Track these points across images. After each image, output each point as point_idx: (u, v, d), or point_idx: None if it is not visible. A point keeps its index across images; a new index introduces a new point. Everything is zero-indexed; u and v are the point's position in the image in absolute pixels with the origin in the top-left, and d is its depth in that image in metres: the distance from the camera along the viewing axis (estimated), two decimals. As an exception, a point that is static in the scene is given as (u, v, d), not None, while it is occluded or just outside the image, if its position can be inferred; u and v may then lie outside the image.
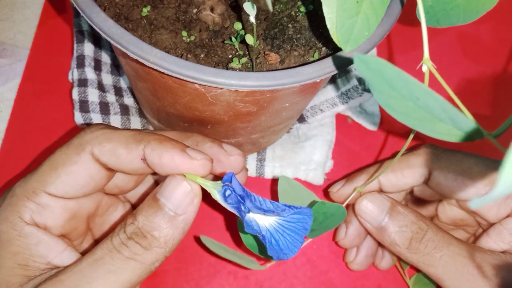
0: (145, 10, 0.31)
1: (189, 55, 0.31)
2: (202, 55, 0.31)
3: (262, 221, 0.27)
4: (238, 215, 0.27)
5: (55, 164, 0.28)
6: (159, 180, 0.36)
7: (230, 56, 0.31)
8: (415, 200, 0.40)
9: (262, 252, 0.34)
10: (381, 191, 0.37)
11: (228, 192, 0.26)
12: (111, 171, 0.29)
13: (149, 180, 0.36)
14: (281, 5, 0.33)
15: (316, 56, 0.31)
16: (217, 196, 0.27)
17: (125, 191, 0.33)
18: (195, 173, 0.27)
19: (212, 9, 0.32)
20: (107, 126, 0.29)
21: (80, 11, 0.27)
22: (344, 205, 0.34)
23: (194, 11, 0.32)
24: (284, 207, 0.27)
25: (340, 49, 0.27)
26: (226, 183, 0.26)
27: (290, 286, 0.40)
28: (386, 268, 0.40)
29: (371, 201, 0.35)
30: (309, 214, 0.28)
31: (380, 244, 0.39)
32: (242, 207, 0.26)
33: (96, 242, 0.34)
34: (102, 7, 0.31)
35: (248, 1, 0.26)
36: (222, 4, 0.32)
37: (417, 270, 0.40)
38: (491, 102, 0.50)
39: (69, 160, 0.27)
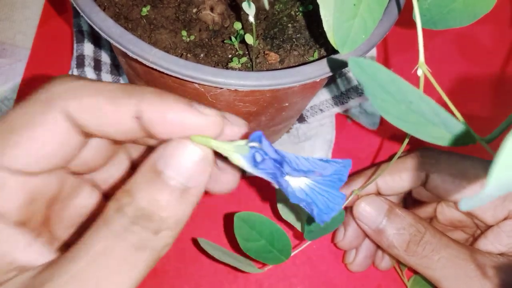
0: (145, 10, 0.31)
1: (188, 55, 0.31)
2: (201, 55, 0.31)
3: (295, 183, 0.23)
4: (273, 181, 0.22)
5: (12, 127, 0.20)
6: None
7: (229, 55, 0.31)
8: (413, 202, 0.40)
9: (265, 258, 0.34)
10: (378, 193, 0.37)
11: (259, 157, 0.21)
12: (87, 136, 0.22)
13: (122, 162, 0.28)
14: (281, 5, 0.33)
15: (316, 55, 0.31)
16: (241, 162, 0.22)
17: (93, 169, 0.26)
18: (206, 133, 0.21)
19: (211, 9, 0.32)
20: (82, 78, 0.22)
21: (80, 11, 0.27)
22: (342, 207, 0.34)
23: (194, 10, 0.32)
24: (325, 164, 0.22)
25: (339, 50, 0.27)
26: (253, 144, 0.21)
27: (290, 286, 0.40)
28: (386, 269, 0.40)
29: (369, 203, 0.35)
30: (347, 165, 0.23)
31: (378, 246, 0.39)
32: (279, 174, 0.21)
33: (52, 233, 0.25)
34: (102, 6, 0.31)
35: (247, 0, 0.26)
36: (222, 4, 0.32)
37: (416, 272, 0.40)
38: (488, 104, 0.50)
39: (33, 121, 0.20)
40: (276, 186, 0.23)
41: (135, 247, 0.20)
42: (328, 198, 0.23)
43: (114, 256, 0.20)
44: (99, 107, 0.20)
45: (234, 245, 0.41)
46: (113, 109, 0.20)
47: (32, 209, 0.22)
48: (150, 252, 0.21)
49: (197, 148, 0.21)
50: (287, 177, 0.22)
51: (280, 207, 0.35)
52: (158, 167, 0.21)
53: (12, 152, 0.20)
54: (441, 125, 0.20)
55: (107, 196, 0.28)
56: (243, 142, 0.22)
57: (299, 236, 0.40)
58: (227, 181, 0.26)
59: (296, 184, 0.23)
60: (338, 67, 0.27)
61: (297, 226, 0.35)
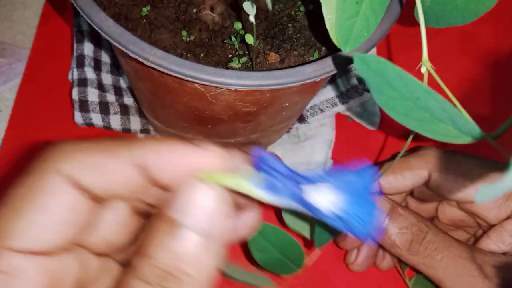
0: (145, 10, 0.31)
1: (188, 55, 0.31)
2: (202, 55, 0.31)
3: (322, 202, 0.20)
4: (299, 204, 0.19)
5: (14, 204, 0.18)
6: None
7: (230, 55, 0.31)
8: (415, 201, 0.40)
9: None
10: (381, 192, 0.37)
11: (275, 179, 0.19)
12: (97, 201, 0.20)
13: None
14: (281, 5, 0.33)
15: (316, 55, 0.31)
16: (256, 191, 0.19)
17: (118, 247, 0.23)
18: (211, 170, 0.19)
19: (212, 9, 0.32)
20: (76, 142, 0.20)
21: (80, 11, 0.27)
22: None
23: (194, 10, 0.32)
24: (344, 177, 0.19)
25: (340, 49, 0.27)
26: (260, 163, 0.19)
27: (290, 286, 0.40)
28: (387, 269, 0.40)
29: None
30: (364, 171, 0.20)
31: (380, 246, 0.39)
32: (297, 190, 0.19)
33: None
34: (102, 6, 0.31)
35: (248, 0, 0.26)
36: (222, 4, 0.32)
37: (417, 272, 0.40)
38: (490, 103, 0.50)
39: (35, 192, 0.18)
40: (309, 213, 0.20)
41: None
42: (359, 212, 0.20)
43: None
44: (99, 163, 0.19)
45: (248, 260, 0.40)
46: (111, 161, 0.19)
47: None
48: None
49: (204, 185, 0.19)
50: (309, 194, 0.19)
51: (286, 216, 0.35)
52: (173, 217, 0.18)
53: (21, 230, 0.18)
54: (448, 121, 0.20)
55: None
56: (251, 169, 0.19)
57: (307, 244, 0.40)
58: (247, 221, 0.23)
59: (324, 204, 0.19)
60: (341, 64, 0.27)
61: (305, 233, 0.35)
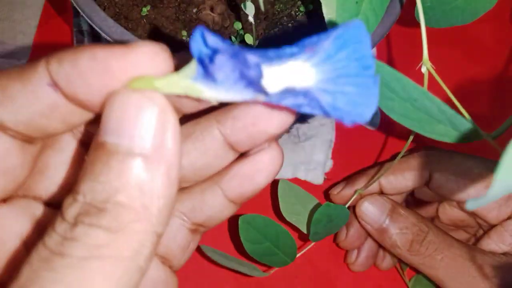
0: (145, 10, 0.31)
1: (188, 55, 0.31)
2: (202, 55, 0.31)
3: (298, 83, 0.15)
4: (252, 91, 0.14)
5: None
6: None
7: (230, 56, 0.31)
8: (415, 201, 0.40)
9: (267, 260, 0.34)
10: (381, 193, 0.37)
11: (216, 58, 0.14)
12: (33, 141, 0.16)
13: None
14: (281, 5, 0.33)
15: (316, 56, 0.31)
16: (197, 88, 0.14)
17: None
18: (144, 73, 0.14)
19: (212, 9, 0.32)
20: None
21: (80, 11, 0.27)
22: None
23: (194, 10, 0.32)
24: (318, 37, 0.15)
25: (340, 49, 0.27)
26: (198, 47, 0.14)
27: (291, 286, 0.40)
28: (387, 269, 0.40)
29: (372, 203, 0.35)
30: (359, 30, 0.15)
31: (381, 246, 0.39)
32: (251, 71, 0.14)
33: None
34: (102, 6, 0.31)
35: (247, 0, 0.26)
36: (222, 4, 0.32)
37: (417, 271, 0.40)
38: (491, 103, 0.50)
39: None
40: (277, 102, 0.15)
41: (80, 260, 0.13)
42: (353, 93, 0.15)
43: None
44: (7, 90, 0.15)
45: (239, 248, 0.41)
46: (22, 87, 0.15)
47: None
48: (109, 263, 0.13)
49: (143, 96, 0.14)
50: (270, 80, 0.14)
51: (284, 208, 0.35)
52: (105, 141, 0.14)
53: None
54: (446, 122, 0.20)
55: None
56: (192, 61, 0.14)
57: (303, 238, 0.40)
58: (265, 164, 0.18)
59: (301, 85, 0.15)
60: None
61: (301, 227, 0.35)
